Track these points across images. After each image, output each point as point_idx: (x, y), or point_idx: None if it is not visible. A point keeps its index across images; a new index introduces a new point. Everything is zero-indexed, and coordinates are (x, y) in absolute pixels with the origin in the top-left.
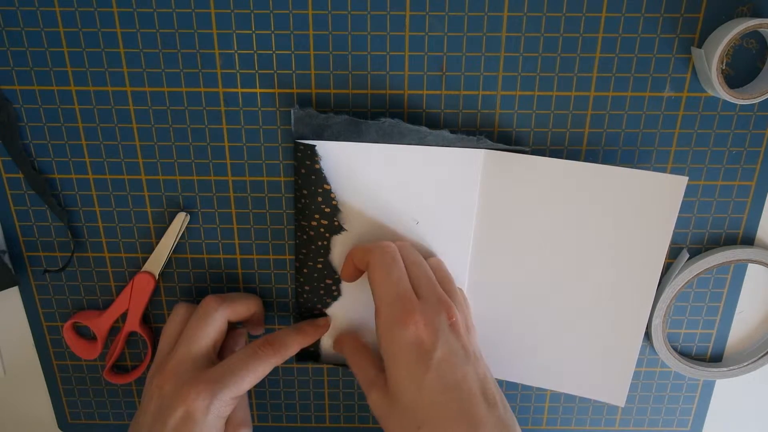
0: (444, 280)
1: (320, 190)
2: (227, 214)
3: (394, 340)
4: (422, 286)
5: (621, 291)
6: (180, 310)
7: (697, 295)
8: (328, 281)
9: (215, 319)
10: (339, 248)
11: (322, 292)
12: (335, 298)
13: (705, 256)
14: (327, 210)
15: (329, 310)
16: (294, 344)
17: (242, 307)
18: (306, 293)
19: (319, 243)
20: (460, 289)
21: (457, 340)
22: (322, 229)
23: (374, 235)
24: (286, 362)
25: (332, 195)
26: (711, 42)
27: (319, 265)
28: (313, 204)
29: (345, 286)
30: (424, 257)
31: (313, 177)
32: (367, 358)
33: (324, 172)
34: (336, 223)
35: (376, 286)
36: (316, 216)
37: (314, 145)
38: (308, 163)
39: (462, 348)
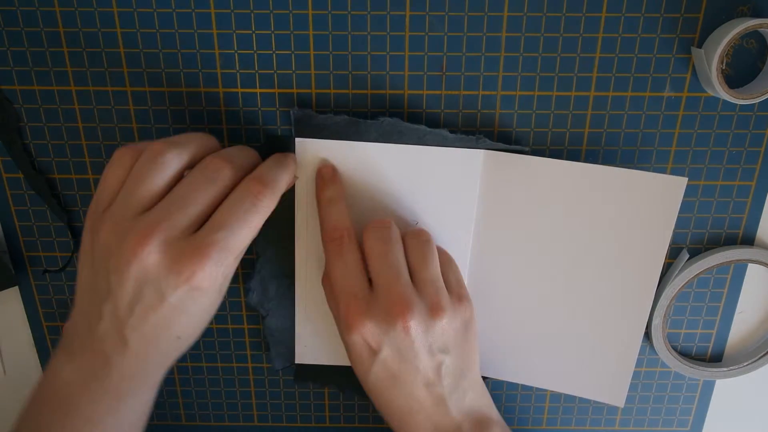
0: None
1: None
2: None
3: (344, 338)
4: (381, 278)
5: (621, 291)
6: (124, 155)
7: (697, 295)
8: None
9: (171, 164)
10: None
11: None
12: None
13: (705, 256)
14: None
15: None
16: (283, 179)
17: (199, 150)
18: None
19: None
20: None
21: (406, 339)
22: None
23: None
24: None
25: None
26: (711, 42)
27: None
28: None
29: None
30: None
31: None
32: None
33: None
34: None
35: (333, 278)
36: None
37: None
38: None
39: (411, 346)
